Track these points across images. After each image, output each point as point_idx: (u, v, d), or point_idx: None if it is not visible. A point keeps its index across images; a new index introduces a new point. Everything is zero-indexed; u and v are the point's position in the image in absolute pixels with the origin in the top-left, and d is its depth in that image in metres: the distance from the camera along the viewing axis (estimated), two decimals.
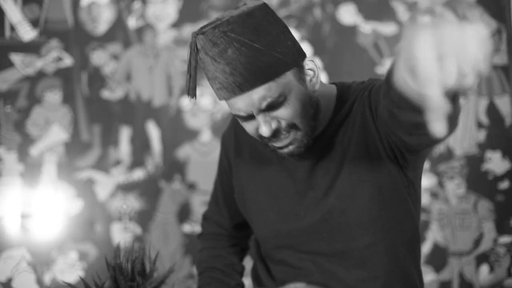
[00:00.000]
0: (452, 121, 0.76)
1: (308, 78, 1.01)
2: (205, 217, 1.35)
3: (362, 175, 1.05)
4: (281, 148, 1.02)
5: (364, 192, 1.05)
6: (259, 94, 0.95)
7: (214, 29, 0.93)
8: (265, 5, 0.98)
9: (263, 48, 0.94)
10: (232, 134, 1.22)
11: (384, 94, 0.86)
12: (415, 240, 1.13)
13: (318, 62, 2.05)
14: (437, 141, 0.91)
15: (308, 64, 1.01)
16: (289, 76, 0.97)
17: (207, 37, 0.94)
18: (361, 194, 1.05)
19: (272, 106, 0.97)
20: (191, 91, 0.98)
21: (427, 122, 0.71)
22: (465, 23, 0.55)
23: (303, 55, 1.01)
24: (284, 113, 0.98)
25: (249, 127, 1.02)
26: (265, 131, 0.98)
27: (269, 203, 1.14)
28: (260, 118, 0.98)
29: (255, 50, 0.93)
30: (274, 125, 0.98)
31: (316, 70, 1.02)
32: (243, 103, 0.96)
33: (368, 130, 1.04)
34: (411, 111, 0.74)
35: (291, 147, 1.02)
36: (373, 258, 1.07)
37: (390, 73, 0.76)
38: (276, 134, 1.00)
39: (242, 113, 0.98)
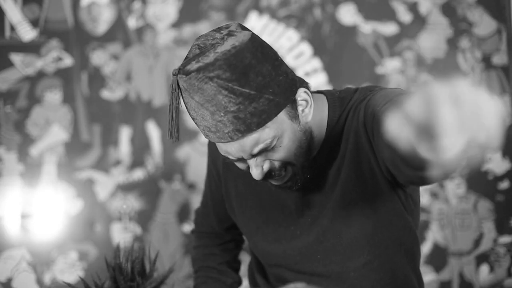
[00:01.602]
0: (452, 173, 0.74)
1: (300, 109, 0.94)
2: (198, 215, 1.34)
3: (356, 196, 1.00)
4: (279, 184, 0.98)
5: (358, 213, 1.01)
6: (250, 141, 0.88)
7: (198, 73, 0.84)
8: (252, 39, 0.88)
9: (254, 92, 0.85)
10: None
11: (387, 144, 0.78)
12: (415, 248, 1.10)
13: (317, 63, 2.05)
14: (437, 182, 0.87)
15: (301, 95, 0.93)
16: (281, 116, 0.90)
17: (191, 80, 0.85)
18: (355, 215, 1.01)
19: (264, 150, 0.91)
20: (173, 134, 0.92)
21: (433, 178, 0.70)
22: (479, 91, 0.51)
23: (295, 87, 0.93)
24: (277, 155, 0.92)
25: (240, 165, 0.97)
26: (256, 174, 0.92)
27: (264, 221, 1.10)
28: (251, 162, 0.92)
29: (245, 96, 0.85)
30: (266, 167, 0.93)
31: (309, 100, 0.95)
32: (233, 148, 0.90)
33: (361, 149, 0.98)
34: (417, 169, 0.70)
35: (289, 183, 0.98)
36: (369, 275, 1.05)
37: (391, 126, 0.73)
38: (269, 174, 0.94)
39: (231, 157, 0.93)
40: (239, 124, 0.86)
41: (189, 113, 0.91)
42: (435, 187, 2.00)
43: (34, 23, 2.07)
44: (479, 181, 2.00)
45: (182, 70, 0.87)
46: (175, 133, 0.91)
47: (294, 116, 0.92)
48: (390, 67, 2.04)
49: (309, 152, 0.97)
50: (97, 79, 2.06)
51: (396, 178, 0.94)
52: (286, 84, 0.91)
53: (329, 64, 2.05)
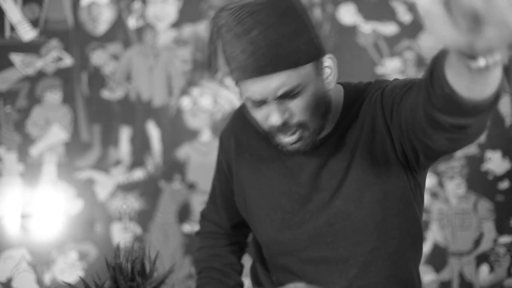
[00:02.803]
0: (485, 123, 0.77)
1: (325, 76, 1.00)
2: (203, 215, 1.34)
3: (369, 180, 1.03)
4: (288, 143, 1.01)
5: (370, 197, 1.03)
6: (278, 81, 0.93)
7: (241, 8, 0.92)
8: None
9: (288, 35, 0.92)
10: (232, 136, 1.20)
11: (424, 101, 0.80)
12: (419, 242, 1.12)
13: None
14: (470, 143, 0.88)
15: (327, 61, 1.00)
16: (309, 68, 0.96)
17: (232, 14, 0.92)
18: (367, 199, 1.03)
19: (288, 95, 0.95)
20: (214, 64, 0.98)
21: (472, 124, 0.71)
22: None
23: (323, 51, 0.99)
24: (298, 104, 0.97)
25: (259, 114, 1.00)
26: (276, 119, 0.96)
27: (272, 208, 1.11)
28: (273, 105, 0.96)
29: (280, 35, 0.91)
30: (285, 116, 0.97)
31: (333, 69, 1.01)
32: (260, 87, 0.94)
33: (377, 133, 1.02)
34: (457, 115, 0.72)
35: (298, 144, 1.01)
36: (376, 263, 1.06)
37: (431, 77, 0.73)
38: (284, 127, 0.98)
39: (256, 96, 0.96)
40: (271, 59, 0.92)
41: (223, 53, 0.96)
42: (435, 187, 2.00)
43: (34, 23, 2.07)
44: (479, 181, 2.00)
45: (225, 8, 0.94)
46: (215, 64, 0.98)
47: (320, 74, 0.99)
48: (390, 67, 2.04)
49: (324, 119, 1.02)
50: (97, 79, 2.07)
51: (419, 151, 0.96)
52: (317, 43, 0.97)
53: None
